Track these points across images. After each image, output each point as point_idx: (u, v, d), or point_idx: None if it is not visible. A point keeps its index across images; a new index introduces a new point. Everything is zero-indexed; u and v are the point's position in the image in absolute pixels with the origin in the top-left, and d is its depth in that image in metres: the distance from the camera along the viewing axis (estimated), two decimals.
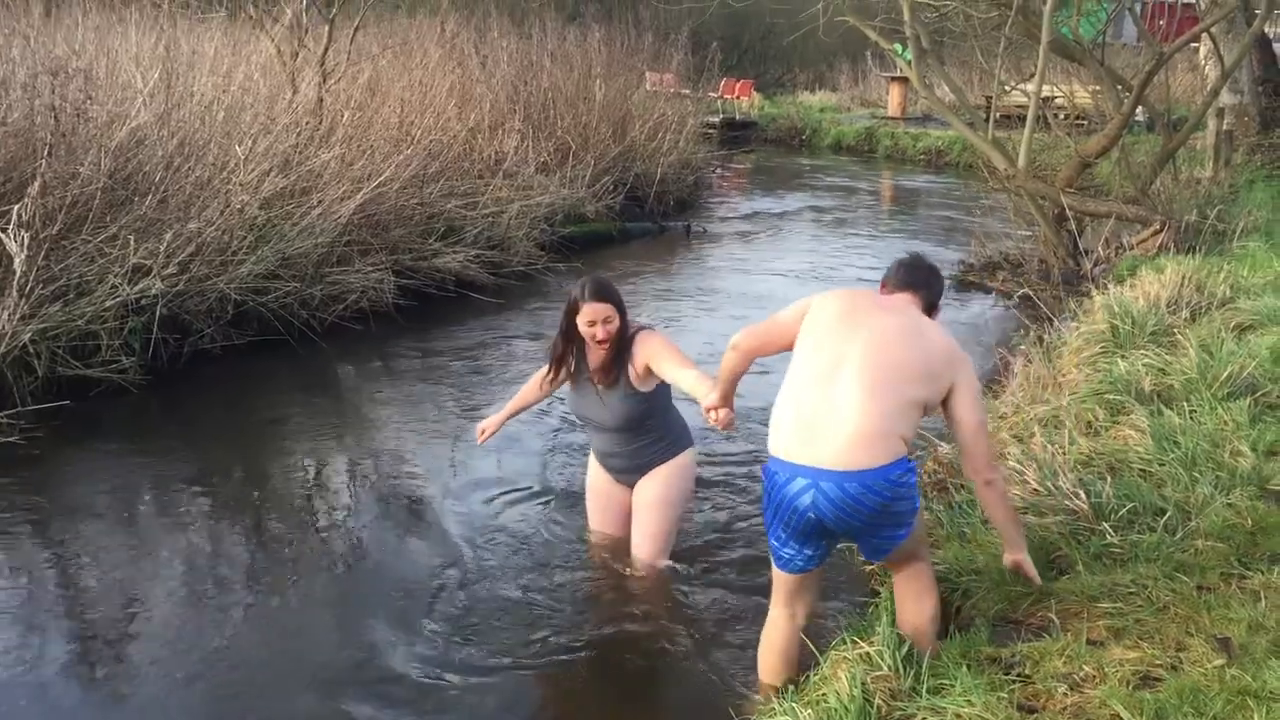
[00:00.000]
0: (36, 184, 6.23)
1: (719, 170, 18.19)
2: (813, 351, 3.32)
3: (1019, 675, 3.07)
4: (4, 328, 5.79)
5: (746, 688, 3.61)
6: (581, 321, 4.13)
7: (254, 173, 7.72)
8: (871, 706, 2.98)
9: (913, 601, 3.39)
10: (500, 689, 3.73)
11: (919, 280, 3.60)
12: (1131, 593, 3.42)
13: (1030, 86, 10.30)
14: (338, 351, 7.51)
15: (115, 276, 6.50)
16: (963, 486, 4.41)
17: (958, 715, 2.86)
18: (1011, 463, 4.37)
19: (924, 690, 3.02)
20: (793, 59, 33.28)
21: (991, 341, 7.23)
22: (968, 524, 4.08)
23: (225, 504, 5.17)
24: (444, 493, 5.27)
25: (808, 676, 3.33)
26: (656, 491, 4.33)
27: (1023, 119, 10.34)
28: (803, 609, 3.49)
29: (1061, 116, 13.11)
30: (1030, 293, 8.29)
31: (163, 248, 6.75)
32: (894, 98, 25.64)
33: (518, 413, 4.64)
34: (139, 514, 5.02)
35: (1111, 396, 5.10)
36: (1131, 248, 9.45)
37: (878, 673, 3.11)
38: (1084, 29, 10.89)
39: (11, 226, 6.01)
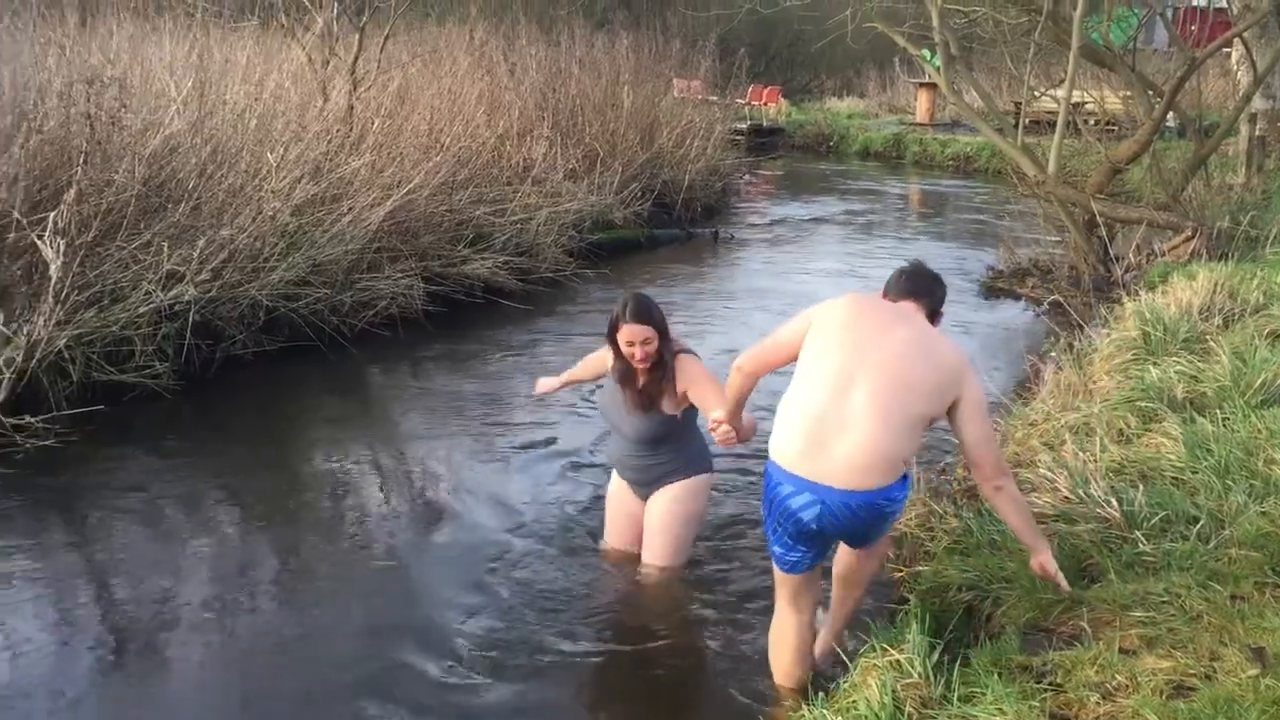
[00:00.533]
0: (72, 191, 6.30)
1: (746, 177, 18.19)
2: (822, 357, 3.34)
3: (1051, 684, 3.06)
4: (40, 333, 5.85)
5: (772, 695, 3.60)
6: (621, 341, 4.18)
7: (285, 180, 7.79)
8: (902, 714, 2.98)
9: (857, 560, 3.56)
10: (525, 695, 3.74)
11: (921, 288, 3.61)
12: (1164, 602, 3.40)
13: (1060, 92, 10.24)
14: (368, 357, 7.56)
15: (149, 283, 6.57)
16: None
17: None
18: (1042, 470, 4.36)
19: (955, 698, 3.01)
20: (820, 65, 33.23)
21: (1021, 348, 7.19)
22: (998, 531, 4.06)
23: (256, 508, 5.21)
24: (471, 498, 5.30)
25: (838, 683, 3.33)
26: (666, 511, 4.39)
27: (1052, 125, 10.29)
28: (809, 605, 3.56)
29: (1092, 122, 13.03)
30: (1060, 299, 8.25)
31: (196, 254, 6.82)
32: (922, 104, 25.56)
33: (575, 383, 4.77)
34: (171, 518, 5.06)
35: (1143, 404, 5.07)
36: (1163, 254, 9.37)
37: (908, 680, 3.10)
38: (1115, 34, 10.84)
39: (48, 233, 6.07)
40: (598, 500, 4.99)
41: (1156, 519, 3.88)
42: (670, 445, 4.33)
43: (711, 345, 8.05)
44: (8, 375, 5.64)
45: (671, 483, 4.36)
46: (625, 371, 4.29)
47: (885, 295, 3.62)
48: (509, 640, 4.04)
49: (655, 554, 4.42)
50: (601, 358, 4.54)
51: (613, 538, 4.65)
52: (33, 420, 5.61)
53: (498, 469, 5.66)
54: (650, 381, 4.23)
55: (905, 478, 3.31)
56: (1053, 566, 3.49)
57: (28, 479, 5.29)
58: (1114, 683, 2.99)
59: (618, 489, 4.60)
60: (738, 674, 3.84)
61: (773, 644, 3.64)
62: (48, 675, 3.73)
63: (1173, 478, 4.32)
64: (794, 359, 3.48)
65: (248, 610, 4.22)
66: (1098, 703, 2.92)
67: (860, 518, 3.26)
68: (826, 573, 3.65)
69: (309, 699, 3.65)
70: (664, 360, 4.19)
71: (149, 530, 4.90)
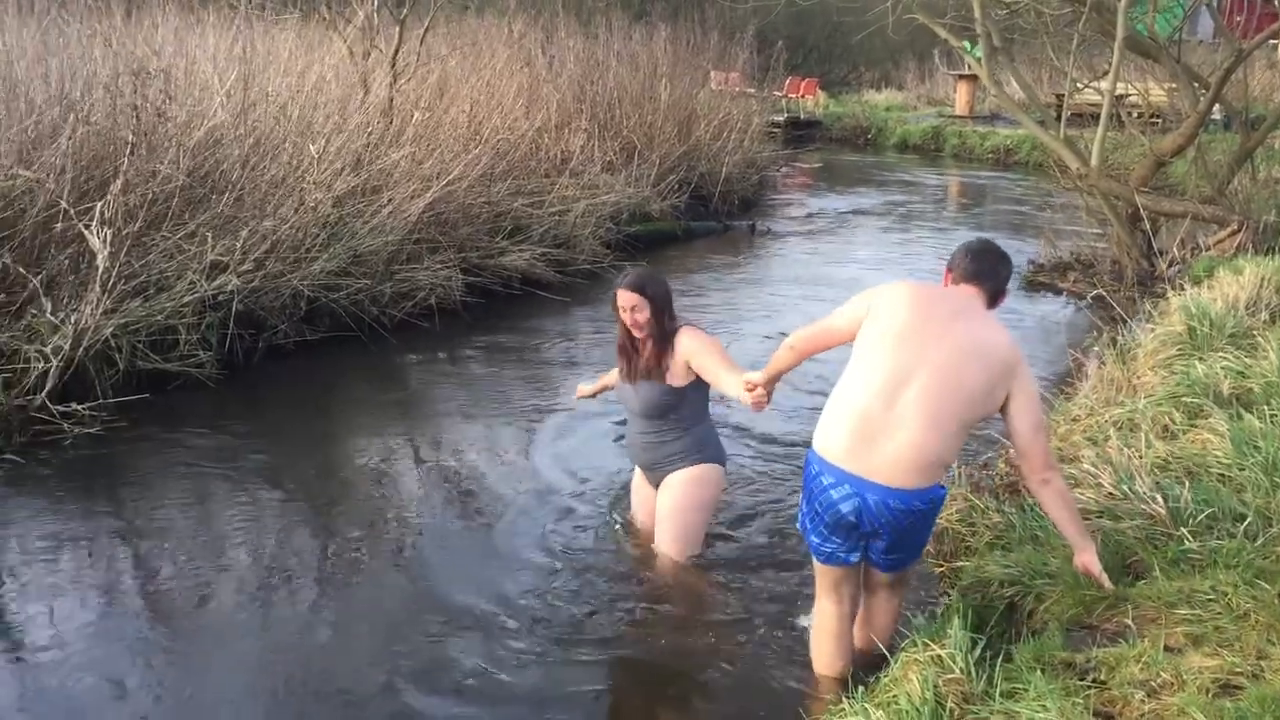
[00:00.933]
0: (119, 182, 6.38)
1: (784, 169, 18.12)
2: (876, 353, 3.36)
3: (1094, 681, 3.03)
4: (87, 322, 5.93)
5: (811, 689, 3.60)
6: (618, 307, 4.37)
7: (327, 171, 7.85)
8: (944, 709, 2.97)
9: (881, 615, 3.69)
10: (562, 681, 3.76)
11: (986, 270, 3.56)
12: (1210, 599, 3.36)
13: (1103, 84, 10.13)
14: (407, 347, 7.60)
15: (193, 273, 6.65)
16: None
17: None
18: (1086, 465, 4.32)
19: (997, 694, 2.99)
20: (858, 58, 33.06)
21: (1063, 343, 7.14)
22: (1040, 527, 4.03)
23: (297, 495, 5.27)
24: (509, 487, 5.33)
25: (878, 677, 3.32)
26: (673, 497, 4.45)
27: (1094, 117, 10.18)
28: (849, 598, 3.59)
29: (1135, 115, 12.88)
30: (1103, 293, 8.16)
31: (239, 245, 6.89)
32: (961, 96, 25.36)
33: (608, 388, 4.90)
34: (215, 504, 5.12)
35: (1189, 399, 5.01)
36: (1208, 248, 9.26)
37: (950, 675, 3.09)
38: (1160, 25, 10.69)
39: (95, 224, 6.16)
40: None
41: (1202, 516, 3.84)
42: (676, 422, 4.39)
43: (749, 336, 8.06)
44: (56, 364, 5.73)
45: (680, 468, 4.42)
46: (626, 341, 4.44)
47: (949, 272, 3.60)
48: (545, 627, 4.05)
49: (663, 540, 4.49)
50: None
51: (637, 519, 4.81)
52: (80, 408, 5.69)
53: (535, 458, 5.68)
54: (650, 351, 4.36)
55: (943, 487, 3.37)
56: (1096, 566, 3.48)
57: (75, 466, 5.37)
58: (1159, 680, 2.96)
59: (638, 480, 4.73)
60: (774, 667, 3.84)
61: (814, 634, 3.67)
62: (96, 655, 3.79)
63: (1219, 474, 4.27)
64: (846, 343, 3.51)
65: (288, 595, 4.27)
66: (1142, 700, 2.89)
67: (897, 516, 3.29)
68: None
69: (347, 681, 3.69)
70: (664, 332, 4.33)
71: (193, 516, 4.96)
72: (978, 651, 3.18)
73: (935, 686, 3.02)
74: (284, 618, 4.12)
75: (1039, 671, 3.06)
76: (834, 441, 3.33)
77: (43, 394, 5.68)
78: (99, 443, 5.60)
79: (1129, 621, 3.31)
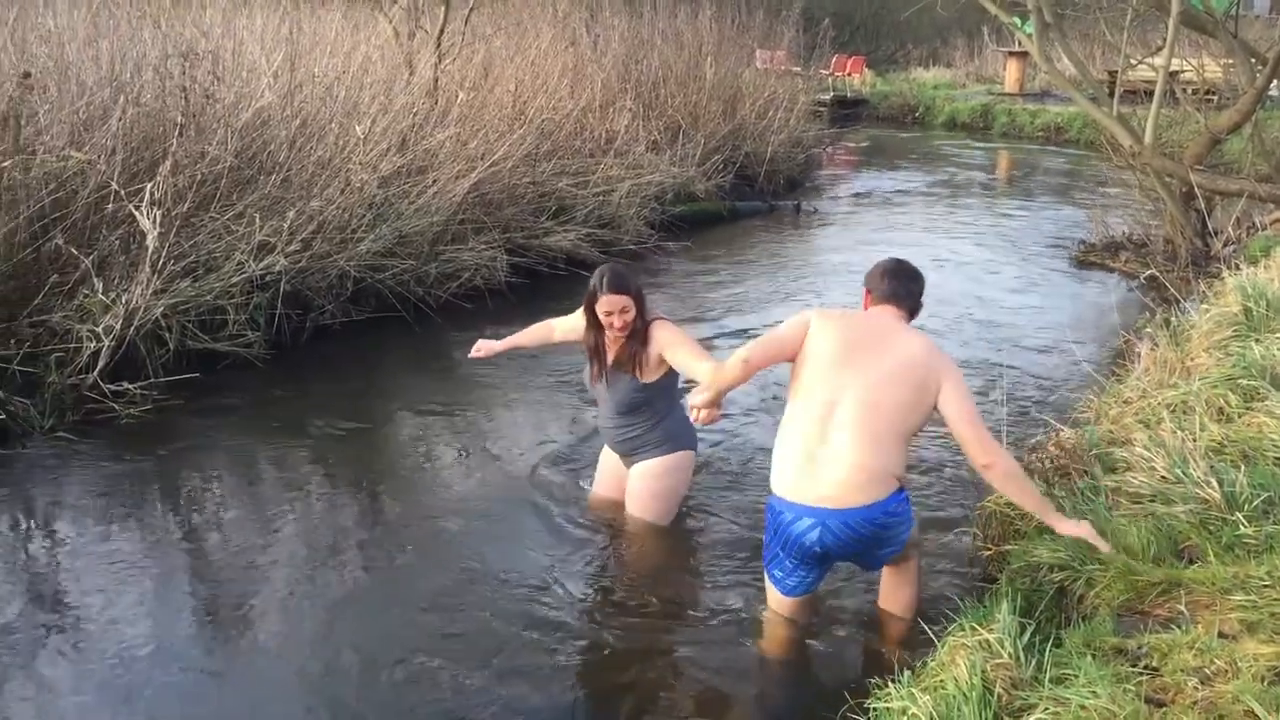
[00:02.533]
0: (168, 163, 6.45)
1: (830, 148, 17.97)
2: (811, 390, 3.58)
3: (1146, 667, 2.98)
4: (138, 302, 6.01)
5: (861, 670, 3.58)
6: (600, 311, 4.30)
7: (373, 152, 7.87)
8: (992, 695, 2.93)
9: (893, 590, 3.91)
10: (617, 671, 3.77)
11: (902, 292, 3.81)
12: (1266, 585, 3.28)
13: (1158, 60, 9.93)
14: (451, 327, 7.62)
15: (241, 253, 6.70)
16: (1086, 472, 4.30)
17: (1082, 707, 2.78)
18: (1139, 449, 4.24)
19: (1046, 680, 2.95)
20: (906, 35, 32.65)
21: (1114, 324, 7.02)
22: (1091, 510, 3.97)
23: (342, 474, 5.31)
24: (552, 466, 5.34)
25: (924, 661, 3.29)
26: (644, 486, 4.56)
27: (1148, 94, 9.99)
28: (803, 614, 3.84)
29: (1190, 91, 12.61)
30: (1156, 273, 8.02)
31: (286, 225, 6.94)
32: (1011, 73, 25.02)
33: (516, 348, 4.93)
34: (263, 482, 5.18)
35: (1245, 381, 4.90)
36: (1264, 227, 9.07)
37: (998, 660, 3.04)
38: (1215, 0, 10.45)
39: (145, 204, 6.22)
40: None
41: (1259, 500, 3.75)
42: (648, 414, 4.46)
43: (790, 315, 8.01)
44: (107, 343, 5.80)
45: (651, 457, 4.51)
46: (596, 343, 4.46)
47: (868, 293, 3.84)
48: (598, 616, 4.06)
49: (638, 523, 4.60)
50: (547, 327, 4.83)
51: (598, 487, 4.88)
52: (131, 387, 5.77)
53: (579, 438, 5.68)
54: (623, 349, 4.38)
55: (900, 493, 3.55)
56: (1085, 529, 3.60)
57: (126, 444, 5.45)
58: (1213, 667, 2.90)
59: (606, 454, 4.82)
60: (820, 651, 3.82)
61: (762, 635, 3.88)
62: (147, 630, 3.85)
63: (1275, 458, 4.17)
64: (791, 359, 3.70)
65: (334, 571, 4.31)
66: (1195, 687, 2.84)
67: (861, 534, 3.50)
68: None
69: (391, 657, 3.71)
70: (637, 331, 4.34)
71: (241, 493, 5.02)
72: (1026, 637, 3.14)
73: (983, 671, 2.98)
74: (329, 594, 4.15)
75: (1089, 657, 3.02)
76: (787, 479, 3.56)
77: (94, 373, 5.76)
78: (149, 421, 5.68)
79: (1182, 607, 3.25)
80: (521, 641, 3.85)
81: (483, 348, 4.88)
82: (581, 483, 5.12)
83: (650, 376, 4.39)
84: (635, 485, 4.59)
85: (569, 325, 4.76)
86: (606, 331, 4.38)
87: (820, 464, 3.49)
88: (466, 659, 3.74)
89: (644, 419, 4.46)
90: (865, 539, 3.52)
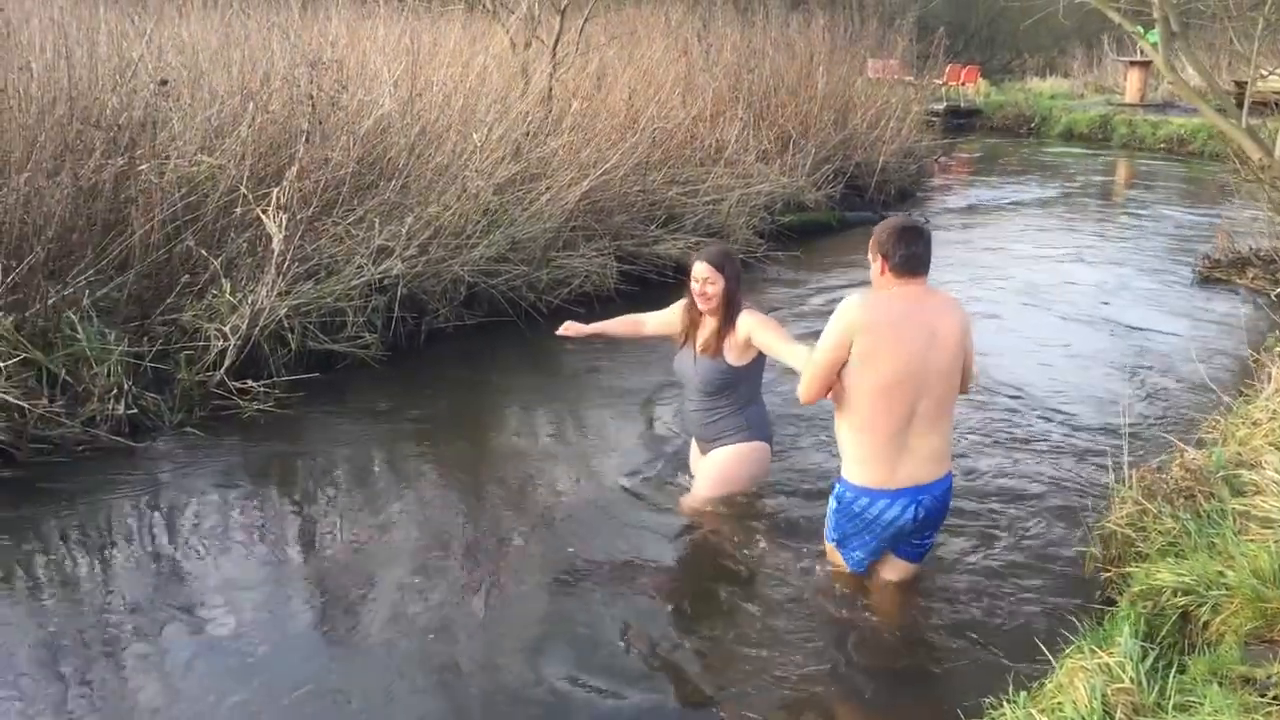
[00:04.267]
0: (294, 169, 6.66)
1: (942, 159, 17.70)
2: (883, 388, 3.78)
3: (1275, 698, 2.88)
4: (263, 303, 6.21)
5: (975, 689, 3.52)
6: (693, 279, 4.66)
7: (488, 159, 8.02)
8: (1112, 719, 2.86)
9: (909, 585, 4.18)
10: (717, 679, 3.77)
11: (925, 260, 3.98)
12: None
13: None
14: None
15: (361, 257, 6.88)
16: (1212, 495, 4.16)
17: None
18: (1270, 472, 4.10)
19: (1170, 706, 2.88)
20: (1022, 44, 32.00)
21: (1243, 342, 6.79)
22: (1217, 534, 3.85)
23: (454, 474, 5.42)
24: (658, 469, 5.35)
25: (1041, 682, 3.23)
26: (717, 469, 4.80)
27: (1278, 106, 9.62)
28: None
29: None
30: None
31: (404, 230, 7.10)
32: (1132, 83, 24.33)
33: (603, 335, 5.20)
34: (376, 480, 5.31)
35: None
36: None
37: (1119, 685, 2.98)
38: None
39: (271, 208, 6.43)
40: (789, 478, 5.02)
41: None
42: (732, 398, 4.71)
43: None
44: (234, 342, 6.01)
45: (729, 443, 4.75)
46: (690, 318, 4.77)
47: (884, 261, 3.94)
48: (691, 625, 4.07)
49: (698, 499, 4.82)
50: (636, 320, 5.13)
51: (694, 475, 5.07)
52: (255, 385, 5.97)
53: (685, 438, 5.69)
54: (719, 327, 4.65)
55: None
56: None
57: (250, 439, 5.63)
58: None
59: (695, 453, 5.03)
60: (932, 668, 3.78)
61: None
62: (265, 619, 3.98)
63: None
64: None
65: (444, 570, 4.39)
66: None
67: (945, 501, 3.99)
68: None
69: (497, 657, 3.77)
70: (730, 308, 4.63)
71: (357, 490, 5.15)
72: (1149, 662, 3.06)
73: (1103, 695, 2.92)
74: (439, 589, 4.23)
75: (1215, 685, 2.93)
76: (880, 472, 3.86)
77: (221, 370, 5.97)
78: (271, 418, 5.86)
79: None
80: (627, 641, 3.88)
81: (570, 328, 5.10)
82: (681, 479, 5.14)
83: (737, 359, 4.64)
84: (708, 467, 4.81)
85: (661, 319, 5.02)
86: (698, 302, 4.65)
87: (915, 449, 3.83)
88: (566, 654, 3.78)
89: (727, 403, 4.71)
90: (945, 508, 4.01)
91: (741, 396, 4.71)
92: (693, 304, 4.71)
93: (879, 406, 3.80)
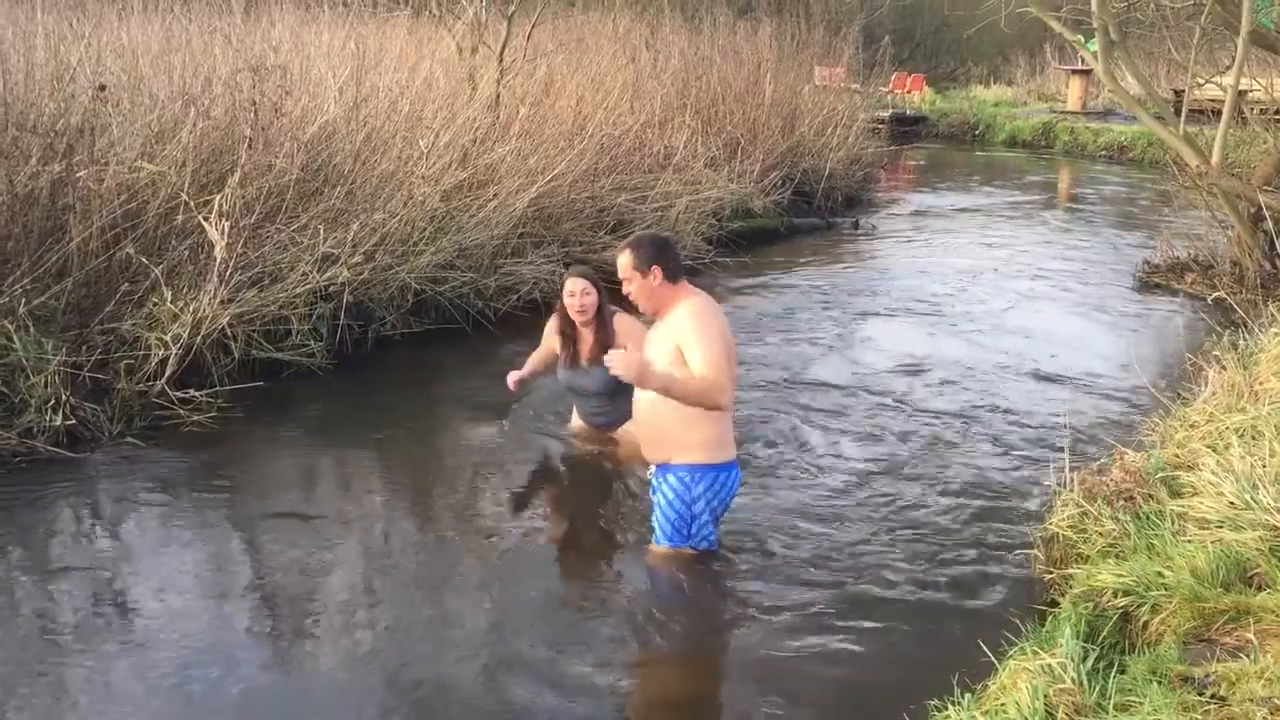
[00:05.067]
0: (236, 175, 6.57)
1: (888, 166, 17.87)
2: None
3: (1213, 696, 2.93)
4: (205, 311, 6.12)
5: (918, 690, 3.54)
6: (564, 293, 5.23)
7: (435, 166, 7.98)
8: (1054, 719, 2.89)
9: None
10: (673, 681, 3.76)
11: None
12: None
13: (1226, 79, 9.77)
14: (510, 340, 7.64)
15: (306, 265, 6.81)
16: (1151, 497, 4.23)
17: None
18: (1206, 474, 4.17)
19: (1110, 707, 2.91)
20: (966, 52, 32.42)
21: (1180, 346, 6.91)
22: (1156, 536, 3.91)
23: (402, 483, 5.38)
24: (608, 476, 5.35)
25: (984, 684, 3.26)
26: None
27: (1215, 114, 9.83)
28: None
29: (1259, 111, 12.38)
30: (1224, 295, 7.87)
31: (350, 237, 7.04)
32: (1074, 91, 24.76)
33: (540, 372, 5.64)
34: (323, 490, 5.25)
35: None
36: None
37: (1061, 685, 3.01)
38: None
39: (214, 215, 6.34)
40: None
41: None
42: (626, 389, 4.90)
43: (854, 333, 7.98)
44: (175, 351, 5.92)
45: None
46: (568, 330, 5.32)
47: (663, 270, 4.28)
48: (645, 616, 4.07)
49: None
50: (544, 346, 5.57)
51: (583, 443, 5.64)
52: (197, 394, 5.87)
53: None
54: (596, 339, 5.20)
55: None
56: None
57: (192, 450, 5.54)
58: None
59: (581, 424, 5.65)
60: (871, 665, 3.80)
61: None
62: (206, 631, 3.91)
63: None
64: None
65: (391, 580, 4.34)
66: (1265, 718, 2.78)
67: None
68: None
69: (446, 668, 3.73)
70: (604, 317, 5.23)
71: (302, 499, 5.09)
72: (1090, 662, 3.10)
73: (1045, 696, 2.95)
74: (386, 604, 4.18)
75: (1155, 685, 2.97)
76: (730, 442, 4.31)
77: (162, 380, 5.87)
78: (214, 428, 5.77)
79: (1250, 636, 3.19)
80: (581, 646, 3.86)
81: (512, 379, 5.51)
82: (638, 490, 5.15)
83: None
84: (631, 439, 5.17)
85: (546, 348, 5.55)
86: (572, 315, 5.22)
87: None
88: (521, 668, 3.75)
89: (625, 392, 4.93)
90: None
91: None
92: (565, 319, 5.31)
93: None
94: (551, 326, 5.49)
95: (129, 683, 3.61)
